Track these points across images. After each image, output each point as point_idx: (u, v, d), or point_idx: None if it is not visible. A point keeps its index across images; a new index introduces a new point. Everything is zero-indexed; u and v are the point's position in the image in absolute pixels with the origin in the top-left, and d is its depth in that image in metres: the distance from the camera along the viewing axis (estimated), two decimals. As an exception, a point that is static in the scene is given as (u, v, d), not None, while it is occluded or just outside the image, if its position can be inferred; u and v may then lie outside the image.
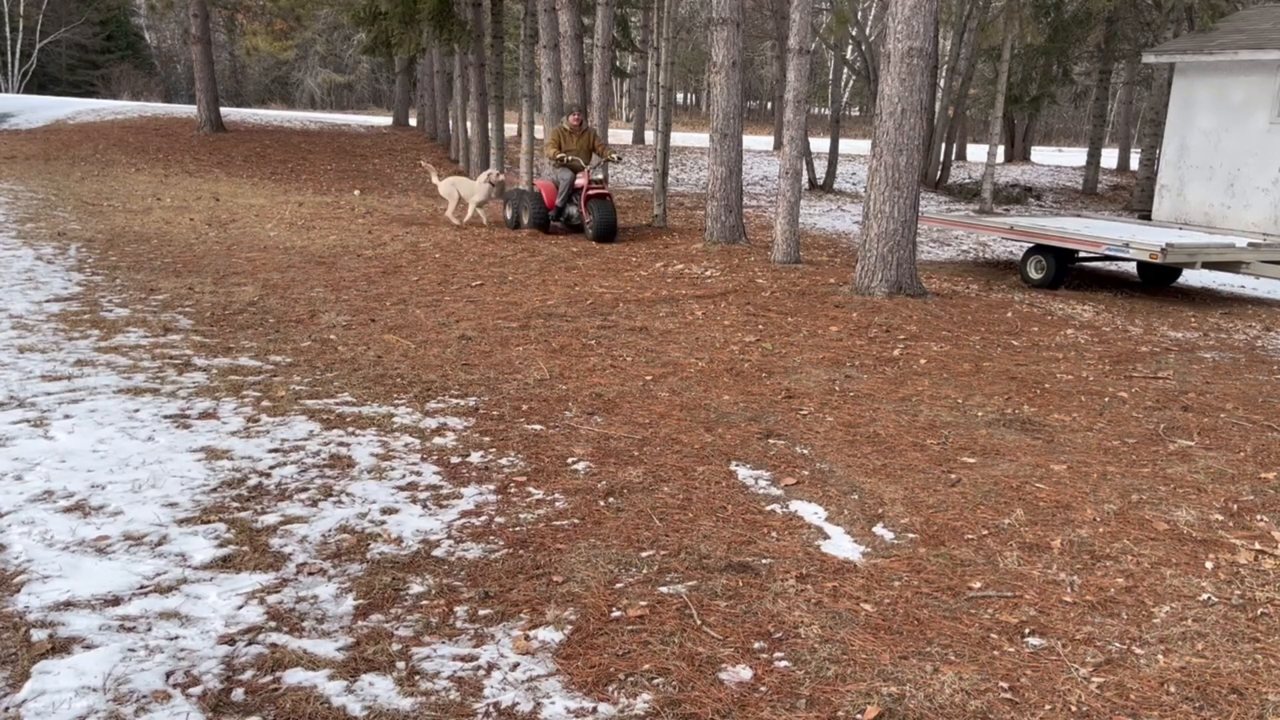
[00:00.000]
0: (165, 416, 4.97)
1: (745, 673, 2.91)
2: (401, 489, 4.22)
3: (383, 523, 3.87)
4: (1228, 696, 2.88)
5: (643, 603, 3.29)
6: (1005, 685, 2.89)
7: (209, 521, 3.79)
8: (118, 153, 20.61)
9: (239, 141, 23.56)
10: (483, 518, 3.95)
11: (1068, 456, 4.95)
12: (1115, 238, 9.82)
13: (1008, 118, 26.87)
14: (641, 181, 20.62)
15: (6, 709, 2.59)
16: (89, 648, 2.89)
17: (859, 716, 2.72)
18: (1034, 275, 10.58)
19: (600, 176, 12.08)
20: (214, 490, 4.09)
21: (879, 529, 3.99)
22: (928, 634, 3.17)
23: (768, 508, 4.17)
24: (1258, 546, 3.93)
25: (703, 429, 5.18)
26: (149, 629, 3.01)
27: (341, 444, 4.71)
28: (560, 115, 16.02)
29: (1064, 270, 10.50)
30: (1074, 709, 2.79)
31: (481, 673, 2.87)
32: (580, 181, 12.08)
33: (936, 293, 9.56)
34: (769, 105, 49.15)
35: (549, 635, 3.08)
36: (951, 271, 11.40)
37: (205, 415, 5.02)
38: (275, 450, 4.59)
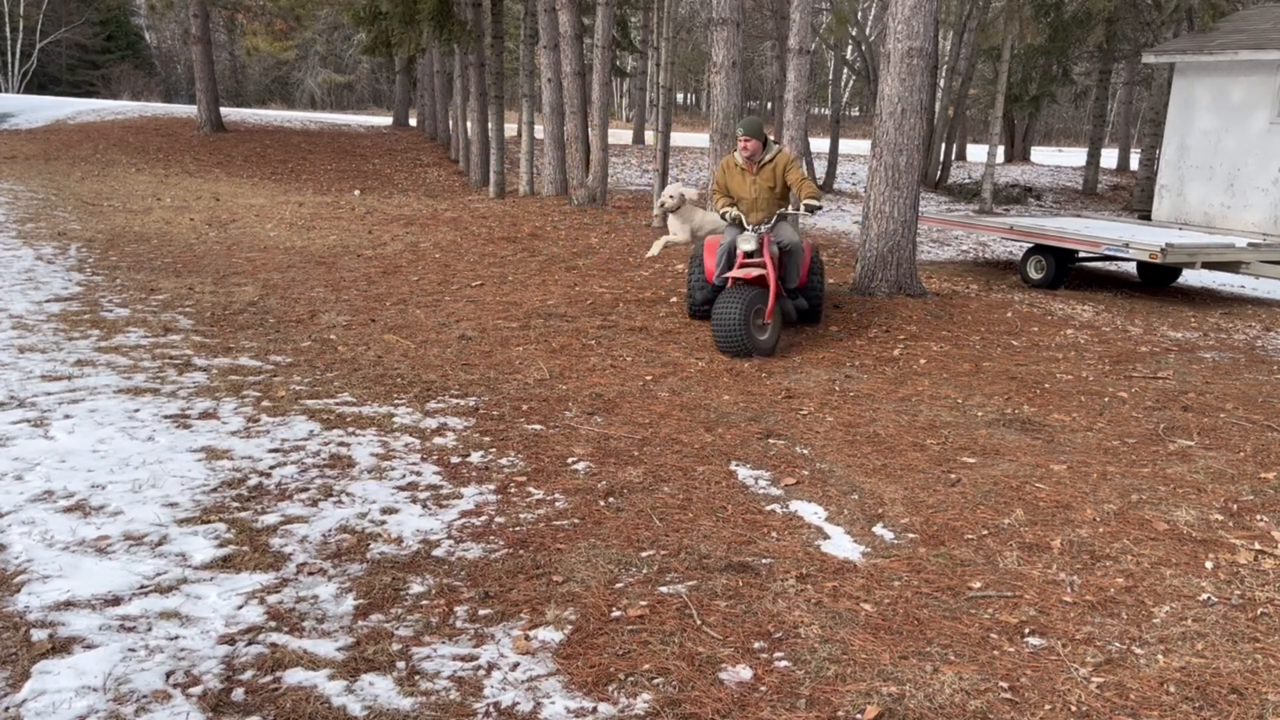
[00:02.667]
0: (165, 416, 4.97)
1: (745, 673, 2.91)
2: (401, 489, 4.22)
3: (383, 523, 3.87)
4: (1228, 696, 2.88)
5: (643, 603, 3.29)
6: (1005, 685, 2.89)
7: (209, 521, 3.79)
8: (118, 153, 20.61)
9: (239, 141, 23.56)
10: (483, 518, 3.95)
11: (1068, 456, 4.95)
12: (1115, 238, 9.82)
13: (1008, 118, 26.87)
14: (641, 182, 20.63)
15: (6, 709, 2.59)
16: (89, 648, 2.89)
17: (859, 716, 2.72)
18: (1034, 275, 10.58)
19: (789, 241, 7.09)
20: (214, 490, 4.09)
21: (879, 529, 3.99)
22: (928, 634, 3.17)
23: (768, 508, 4.17)
24: (1258, 546, 3.93)
25: (703, 429, 5.18)
26: (149, 629, 3.01)
27: (341, 444, 4.71)
28: (560, 117, 16.04)
29: (1064, 270, 10.50)
30: (1074, 709, 2.79)
31: (481, 673, 2.87)
32: (746, 247, 6.87)
33: (936, 293, 9.56)
34: (769, 105, 49.15)
35: (549, 635, 3.08)
36: (951, 271, 11.40)
37: (205, 415, 5.02)
38: (275, 450, 4.59)
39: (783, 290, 6.96)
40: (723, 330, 6.58)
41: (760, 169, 7.14)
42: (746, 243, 6.80)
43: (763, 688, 2.84)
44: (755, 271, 6.75)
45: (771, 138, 7.36)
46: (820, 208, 6.93)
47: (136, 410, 5.03)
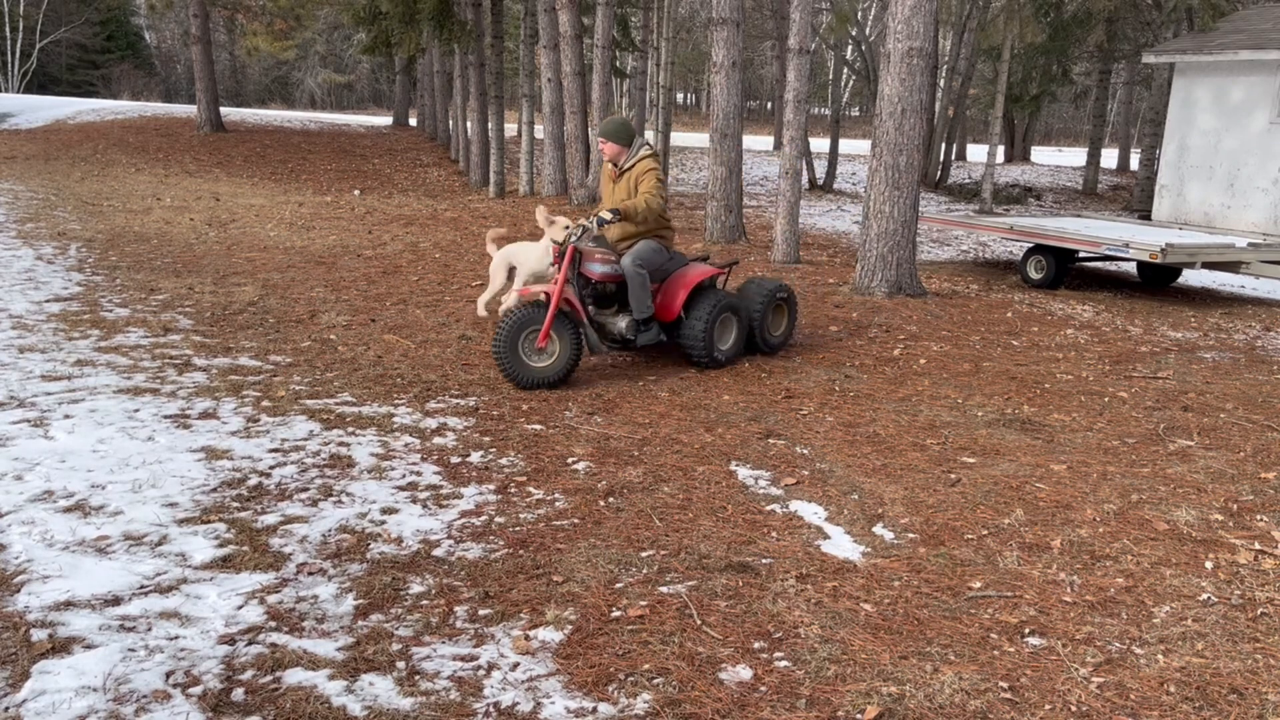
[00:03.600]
0: (165, 416, 4.97)
1: (745, 673, 2.91)
2: (401, 489, 4.22)
3: (383, 523, 3.87)
4: (1228, 696, 2.88)
5: (643, 603, 3.29)
6: (1005, 685, 2.89)
7: (209, 521, 3.79)
8: (118, 153, 20.61)
9: (239, 141, 23.56)
10: (483, 518, 3.95)
11: (1068, 456, 4.95)
12: (1115, 238, 9.82)
13: (1008, 118, 26.88)
14: (641, 181, 20.61)
15: (6, 709, 2.59)
16: (89, 648, 2.89)
17: (859, 716, 2.72)
18: (1034, 275, 10.58)
19: (626, 265, 6.06)
20: (214, 490, 4.09)
21: (879, 529, 3.99)
22: (928, 634, 3.17)
23: (768, 508, 4.17)
24: (1258, 546, 3.93)
25: (703, 429, 5.18)
26: (149, 629, 3.01)
27: (341, 444, 4.71)
28: (560, 117, 16.04)
29: (1064, 270, 10.50)
30: (1074, 709, 2.79)
31: (481, 673, 2.87)
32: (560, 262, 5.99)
33: (936, 293, 9.56)
34: (769, 105, 49.16)
35: (549, 635, 3.08)
36: (951, 271, 11.40)
37: (205, 415, 5.02)
38: (275, 450, 4.59)
39: (580, 315, 5.82)
40: (494, 350, 5.74)
41: (620, 176, 6.26)
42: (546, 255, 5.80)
43: (763, 688, 2.84)
44: (537, 287, 5.94)
45: (646, 141, 6.36)
46: (608, 221, 5.84)
47: (136, 410, 5.03)
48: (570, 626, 3.13)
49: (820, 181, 21.31)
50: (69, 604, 3.12)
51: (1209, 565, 3.76)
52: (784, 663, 2.97)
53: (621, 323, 6.13)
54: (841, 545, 3.83)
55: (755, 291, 6.68)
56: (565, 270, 5.79)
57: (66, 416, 4.87)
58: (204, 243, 10.64)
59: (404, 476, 4.36)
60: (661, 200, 6.05)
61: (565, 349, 5.79)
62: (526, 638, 3.06)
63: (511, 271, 7.29)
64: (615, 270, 6.04)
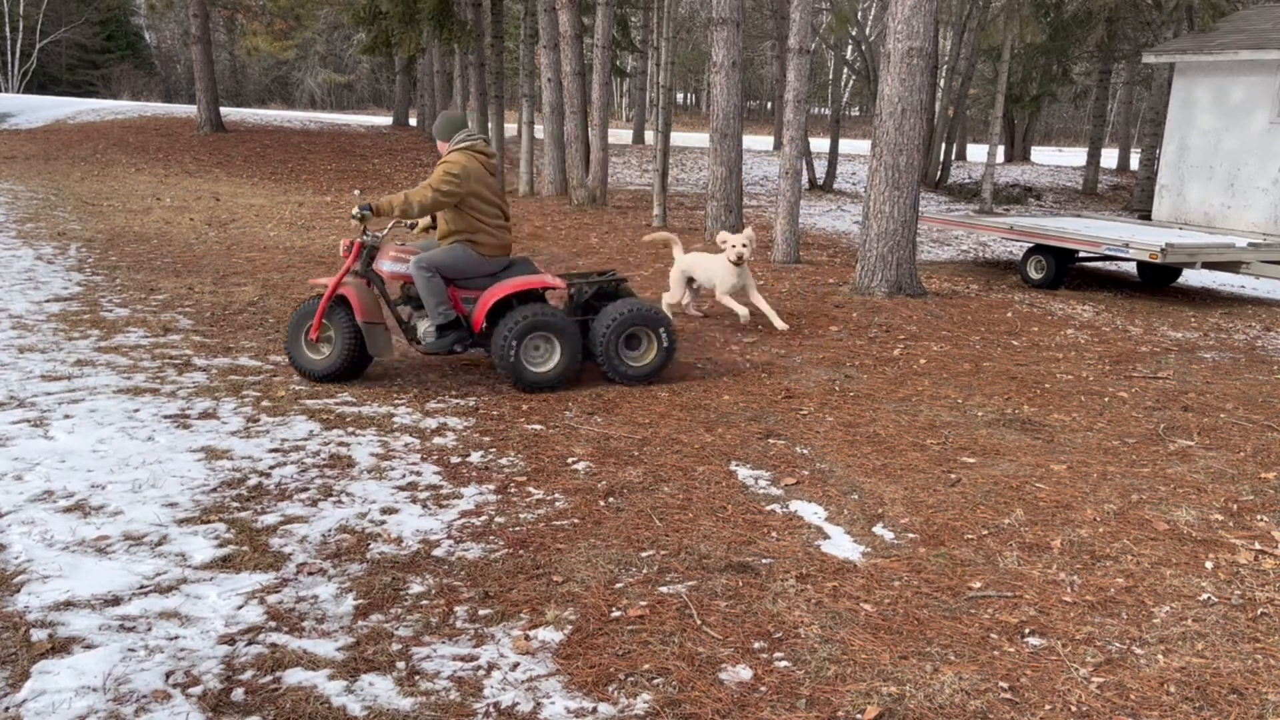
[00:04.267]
0: (165, 416, 4.97)
1: (745, 673, 2.91)
2: (401, 489, 4.22)
3: (383, 523, 3.87)
4: (1228, 696, 2.88)
5: (643, 603, 3.29)
6: (1005, 685, 2.89)
7: (209, 521, 3.79)
8: (118, 153, 20.61)
9: (239, 141, 23.56)
10: (483, 518, 3.95)
11: (1068, 456, 4.95)
12: (1115, 238, 9.82)
13: (1008, 118, 26.88)
14: (641, 181, 20.62)
15: (6, 709, 2.59)
16: (89, 648, 2.89)
17: (859, 716, 2.72)
18: (1034, 275, 10.58)
19: (414, 265, 5.65)
20: (214, 490, 4.09)
21: (879, 529, 3.99)
22: (928, 634, 3.17)
23: (768, 508, 4.17)
24: (1258, 546, 3.93)
25: (703, 429, 5.18)
26: (149, 629, 3.01)
27: (341, 444, 4.71)
28: (560, 116, 16.04)
29: (1064, 270, 10.50)
30: (1074, 709, 2.79)
31: (481, 673, 2.87)
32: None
33: (936, 293, 9.56)
34: (769, 105, 49.16)
35: (549, 635, 3.08)
36: (951, 271, 11.40)
37: (205, 415, 5.02)
38: (275, 450, 4.59)
39: (357, 312, 5.55)
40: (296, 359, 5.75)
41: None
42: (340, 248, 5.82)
43: (763, 688, 2.84)
44: (320, 280, 5.78)
45: (470, 135, 5.88)
46: (356, 217, 5.49)
47: (136, 410, 5.03)
48: (570, 626, 3.13)
49: (820, 181, 21.31)
50: (69, 604, 3.12)
51: (1209, 565, 3.76)
52: (784, 663, 2.97)
53: (422, 326, 5.78)
54: (841, 545, 3.83)
55: (609, 314, 5.88)
56: (349, 264, 5.69)
57: (66, 416, 4.87)
58: (204, 243, 10.64)
59: (404, 476, 4.36)
60: (434, 194, 5.52)
61: (340, 345, 5.60)
62: (526, 638, 3.06)
63: (690, 282, 7.84)
64: (407, 270, 5.71)
